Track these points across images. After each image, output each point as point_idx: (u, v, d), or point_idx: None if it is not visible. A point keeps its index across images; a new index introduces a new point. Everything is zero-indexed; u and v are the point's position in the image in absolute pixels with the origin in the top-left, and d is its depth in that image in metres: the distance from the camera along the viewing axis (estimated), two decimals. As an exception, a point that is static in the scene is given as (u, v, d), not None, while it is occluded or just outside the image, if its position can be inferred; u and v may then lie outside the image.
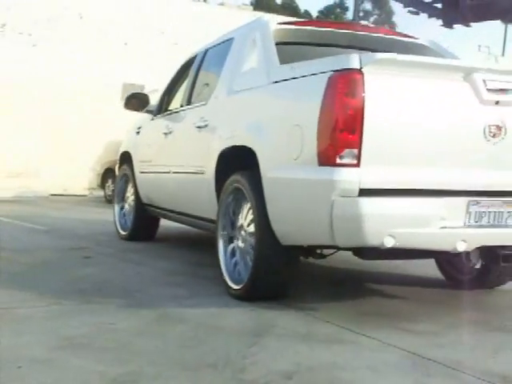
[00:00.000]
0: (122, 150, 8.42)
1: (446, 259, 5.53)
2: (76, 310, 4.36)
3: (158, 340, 3.70)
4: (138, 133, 7.97)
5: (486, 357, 3.66)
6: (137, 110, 7.62)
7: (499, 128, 4.16)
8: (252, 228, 4.74)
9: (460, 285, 5.57)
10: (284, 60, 4.96)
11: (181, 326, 4.01)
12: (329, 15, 52.70)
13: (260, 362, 3.35)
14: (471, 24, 23.97)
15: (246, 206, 4.85)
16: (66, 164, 16.06)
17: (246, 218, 4.89)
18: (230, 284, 4.93)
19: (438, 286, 5.66)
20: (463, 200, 4.11)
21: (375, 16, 59.87)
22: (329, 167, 3.93)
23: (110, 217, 8.50)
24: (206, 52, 6.62)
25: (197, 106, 6.22)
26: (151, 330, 3.91)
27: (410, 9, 28.24)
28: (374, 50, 4.99)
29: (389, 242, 3.89)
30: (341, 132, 3.89)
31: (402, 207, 3.96)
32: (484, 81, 4.13)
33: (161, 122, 7.10)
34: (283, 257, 4.61)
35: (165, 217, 7.29)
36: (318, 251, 4.75)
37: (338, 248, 4.31)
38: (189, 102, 6.55)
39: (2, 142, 16.20)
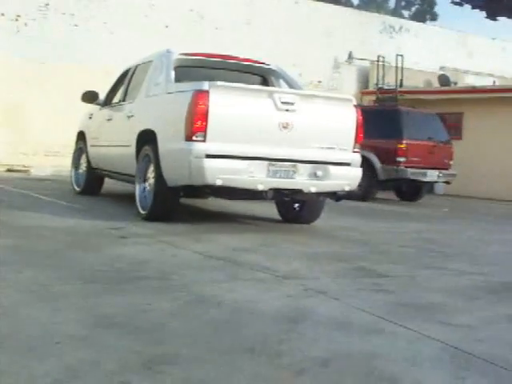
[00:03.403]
0: (78, 129, 11.38)
1: (279, 204, 8.90)
2: (112, 290, 4.38)
3: (194, 323, 3.69)
4: (90, 118, 11.03)
5: (525, 353, 3.60)
6: (90, 102, 10.64)
7: (288, 124, 7.41)
8: (153, 177, 7.82)
9: (288, 220, 8.83)
10: (181, 77, 8.33)
11: (217, 310, 3.99)
12: (370, 4, 52.22)
13: (296, 348, 3.33)
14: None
15: (151, 165, 7.90)
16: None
17: (151, 172, 7.91)
18: (140, 210, 8.05)
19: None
20: (265, 163, 7.36)
21: (417, 6, 59.15)
22: (190, 142, 7.14)
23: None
24: (136, 67, 9.77)
25: (128, 103, 9.34)
26: (187, 313, 3.91)
27: (454, -1, 27.78)
28: (237, 71, 9.11)
29: (219, 182, 7.07)
30: (196, 123, 7.11)
31: (227, 164, 7.16)
32: (279, 97, 7.41)
33: (105, 112, 10.19)
34: (169, 193, 7.74)
35: (107, 176, 10.38)
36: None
37: (200, 189, 7.44)
38: (123, 100, 9.69)
39: (41, 121, 16.37)
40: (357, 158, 7.95)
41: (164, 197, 7.76)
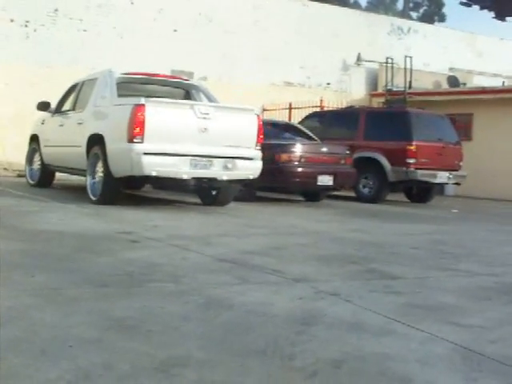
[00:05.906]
0: (32, 133, 13.42)
1: (200, 191, 11.21)
2: (123, 293, 4.39)
3: (206, 325, 3.70)
4: (42, 123, 13.04)
5: (538, 353, 3.58)
6: (43, 110, 12.70)
7: (205, 129, 9.59)
8: (102, 171, 9.86)
9: (207, 203, 11.00)
10: (123, 91, 10.62)
11: (228, 313, 4.00)
12: (378, 6, 52.15)
13: (309, 350, 3.33)
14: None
15: (100, 161, 9.93)
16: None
17: (100, 167, 9.93)
18: (92, 197, 10.10)
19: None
20: (188, 158, 9.53)
21: (425, 7, 59.02)
22: (131, 143, 9.24)
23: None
24: (84, 82, 11.85)
25: (78, 112, 11.34)
26: (199, 316, 3.91)
27: (462, 0, 27.79)
28: (166, 86, 11.77)
29: (154, 173, 9.25)
30: (135, 129, 9.19)
31: (160, 160, 9.29)
32: (198, 109, 9.64)
33: (57, 118, 12.24)
34: (115, 183, 9.88)
35: (59, 171, 12.53)
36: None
37: (141, 179, 10.03)
38: (73, 109, 11.76)
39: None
40: (258, 154, 10.23)
41: (111, 185, 9.85)
